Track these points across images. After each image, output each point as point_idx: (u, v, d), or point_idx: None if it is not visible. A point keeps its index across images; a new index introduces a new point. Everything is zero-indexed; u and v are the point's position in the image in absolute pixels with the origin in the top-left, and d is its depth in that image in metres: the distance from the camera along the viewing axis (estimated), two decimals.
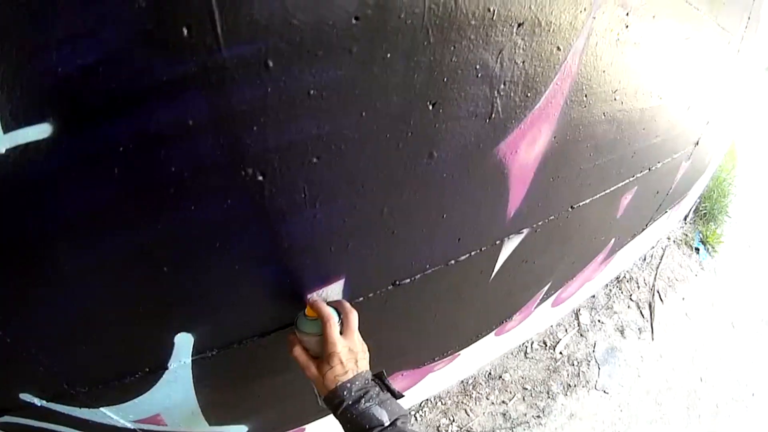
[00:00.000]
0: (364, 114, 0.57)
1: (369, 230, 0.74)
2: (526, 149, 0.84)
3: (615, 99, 0.96)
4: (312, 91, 0.50)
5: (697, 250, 3.45)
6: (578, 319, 2.58)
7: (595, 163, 1.08)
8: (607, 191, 1.26)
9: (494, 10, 0.60)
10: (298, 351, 0.74)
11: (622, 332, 2.58)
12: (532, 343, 2.39)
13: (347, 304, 0.76)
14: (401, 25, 0.52)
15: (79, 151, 0.42)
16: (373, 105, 0.57)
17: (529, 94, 0.75)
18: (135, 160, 0.45)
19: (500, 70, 0.67)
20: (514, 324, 1.77)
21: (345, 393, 0.69)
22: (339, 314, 0.74)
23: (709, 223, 3.70)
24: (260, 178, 0.54)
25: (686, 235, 3.50)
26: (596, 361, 2.40)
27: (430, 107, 0.64)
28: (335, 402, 0.70)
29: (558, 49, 0.73)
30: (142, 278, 0.57)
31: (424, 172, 0.72)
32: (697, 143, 2.02)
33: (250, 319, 0.77)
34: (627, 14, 0.86)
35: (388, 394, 0.73)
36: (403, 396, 0.76)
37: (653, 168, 1.50)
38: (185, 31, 0.40)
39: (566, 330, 2.50)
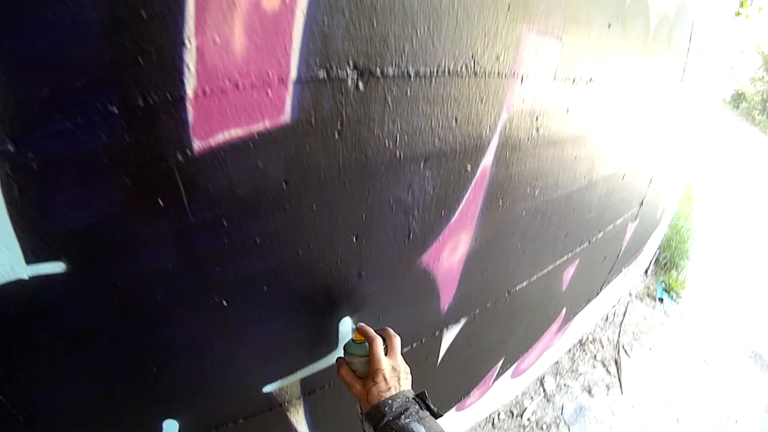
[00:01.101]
0: (300, 251, 0.71)
1: (316, 339, 0.88)
2: (448, 256, 0.92)
3: (534, 194, 1.06)
4: (257, 239, 0.64)
5: (661, 300, 3.59)
6: (543, 385, 2.62)
7: (525, 251, 1.16)
8: (544, 271, 1.34)
9: (400, 154, 0.70)
10: (345, 370, 0.82)
11: (589, 391, 2.62)
12: (499, 413, 2.39)
13: (391, 330, 0.83)
14: (322, 182, 0.66)
15: (86, 284, 0.54)
16: (307, 244, 0.71)
17: (443, 212, 0.83)
18: (129, 292, 0.57)
19: (413, 200, 0.78)
20: (474, 399, 1.80)
21: (386, 409, 0.74)
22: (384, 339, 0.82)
23: (671, 271, 3.88)
24: (225, 303, 0.67)
25: (648, 287, 3.65)
26: (565, 423, 2.42)
27: (354, 239, 0.76)
28: (377, 417, 0.74)
29: (467, 168, 0.82)
30: (134, 377, 0.67)
31: (355, 288, 0.84)
32: (642, 203, 2.17)
33: (225, 406, 0.85)
34: (537, 118, 0.96)
35: (428, 413, 0.76)
36: (442, 415, 0.80)
37: (593, 239, 1.61)
38: (161, 203, 0.53)
39: (532, 397, 2.53)
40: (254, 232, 0.64)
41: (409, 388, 0.81)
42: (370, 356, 0.79)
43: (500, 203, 0.95)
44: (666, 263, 3.93)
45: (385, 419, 0.73)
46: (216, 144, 0.52)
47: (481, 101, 0.79)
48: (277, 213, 0.64)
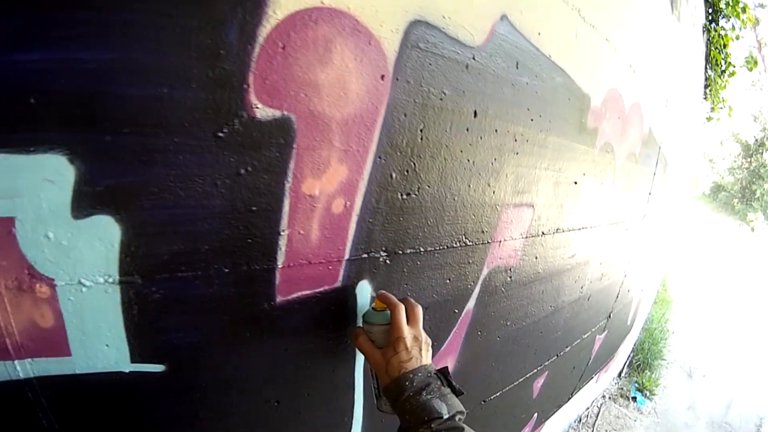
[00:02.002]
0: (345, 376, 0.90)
1: None
2: None
3: (507, 325, 1.35)
4: (307, 363, 0.83)
5: (635, 398, 3.80)
6: None
7: (498, 368, 1.43)
8: (515, 383, 1.60)
9: None
10: (363, 339, 0.81)
11: None
12: None
13: (412, 300, 0.83)
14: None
15: (176, 382, 0.71)
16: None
17: (435, 344, 1.10)
18: (209, 392, 0.75)
19: None
20: None
21: (406, 383, 0.73)
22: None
23: (645, 372, 4.12)
24: (276, 404, 0.86)
25: (622, 388, 3.88)
26: None
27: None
28: (396, 391, 0.74)
29: (455, 311, 1.11)
30: None
31: None
32: (610, 316, 2.46)
33: None
34: (510, 269, 1.27)
35: (449, 390, 0.76)
36: (464, 393, 0.79)
37: (561, 353, 1.88)
38: (248, 334, 0.75)
39: None
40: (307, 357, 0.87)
41: (431, 362, 0.80)
42: (391, 324, 0.79)
43: (479, 334, 1.24)
44: (639, 365, 4.18)
45: (405, 394, 0.72)
46: (291, 299, 0.79)
47: (468, 264, 1.09)
48: (326, 343, 0.89)
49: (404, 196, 0.87)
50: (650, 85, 1.90)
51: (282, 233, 0.73)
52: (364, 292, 0.91)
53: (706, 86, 3.95)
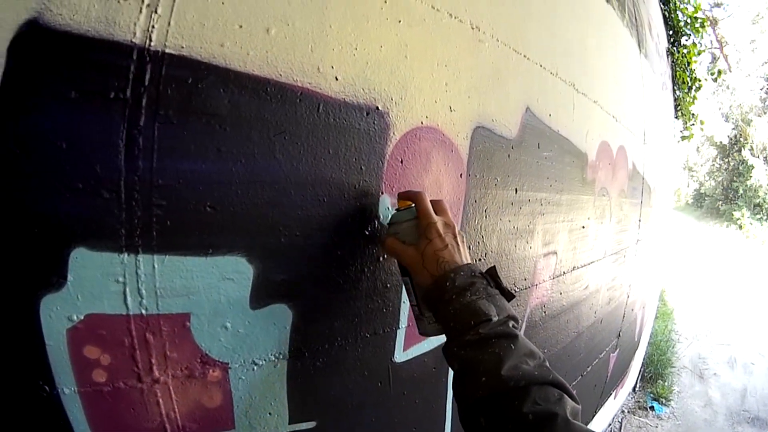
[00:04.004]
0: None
1: None
2: None
3: (544, 352, 1.67)
4: (416, 400, 1.13)
5: (652, 408, 4.13)
6: None
7: None
8: None
9: None
10: (391, 241, 0.79)
11: None
12: None
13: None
14: None
15: None
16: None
17: None
18: None
19: None
20: None
21: (447, 284, 0.69)
22: None
23: (657, 381, 4.48)
24: None
25: (638, 401, 4.22)
26: None
27: None
28: (436, 295, 0.71)
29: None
30: None
31: None
32: (619, 335, 2.82)
33: None
34: (544, 305, 1.61)
35: (497, 291, 0.72)
36: (514, 296, 0.75)
37: (585, 373, 2.22)
38: (379, 384, 1.01)
39: None
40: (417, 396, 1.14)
41: (468, 254, 0.78)
42: (418, 213, 0.78)
43: None
44: (651, 376, 4.53)
45: (446, 296, 0.69)
46: (408, 352, 1.07)
47: (517, 306, 1.43)
48: (427, 383, 1.14)
49: (477, 261, 1.22)
50: (630, 128, 2.32)
51: (404, 302, 1.02)
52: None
53: (676, 106, 4.34)
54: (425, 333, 0.82)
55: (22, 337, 0.60)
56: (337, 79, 0.79)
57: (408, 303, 0.92)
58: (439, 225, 0.75)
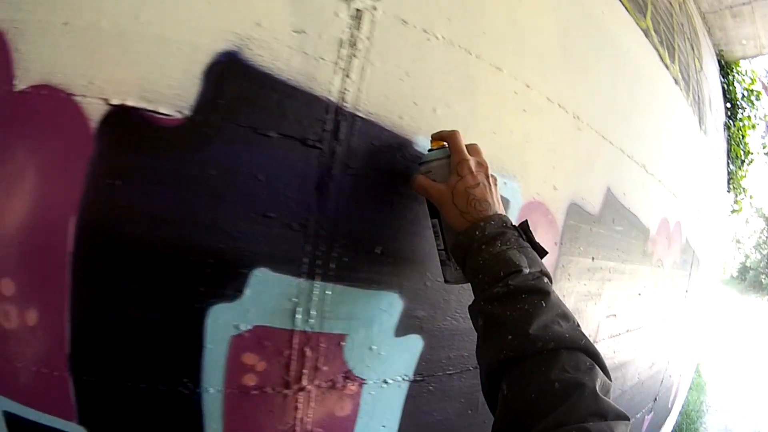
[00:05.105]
0: None
1: None
2: None
3: None
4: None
5: None
6: None
7: None
8: None
9: None
10: (422, 179, 0.76)
11: None
12: None
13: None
14: None
15: None
16: None
17: None
18: None
19: None
20: None
21: (477, 232, 0.67)
22: None
23: None
24: None
25: None
26: None
27: None
28: (465, 243, 0.68)
29: None
30: None
31: None
32: (656, 399, 2.96)
33: None
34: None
35: (529, 245, 0.70)
36: (547, 252, 0.73)
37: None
38: None
39: None
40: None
41: (499, 197, 0.76)
42: (451, 152, 0.76)
43: None
44: None
45: (475, 245, 0.67)
46: None
47: None
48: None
49: None
50: (687, 204, 2.53)
51: None
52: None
53: (728, 180, 4.36)
54: (450, 281, 0.82)
55: (182, 338, 0.66)
56: None
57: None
58: (472, 163, 0.74)
